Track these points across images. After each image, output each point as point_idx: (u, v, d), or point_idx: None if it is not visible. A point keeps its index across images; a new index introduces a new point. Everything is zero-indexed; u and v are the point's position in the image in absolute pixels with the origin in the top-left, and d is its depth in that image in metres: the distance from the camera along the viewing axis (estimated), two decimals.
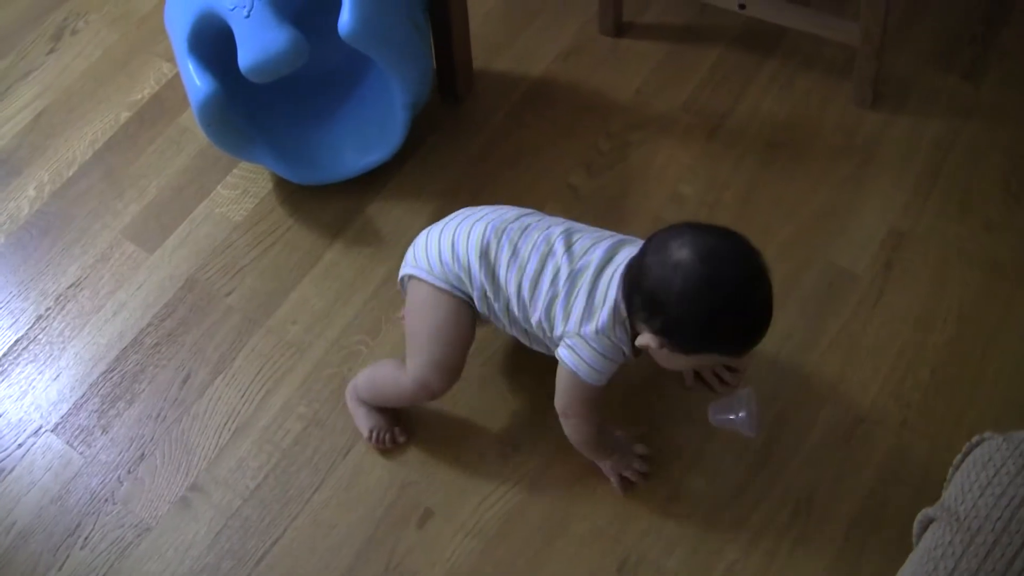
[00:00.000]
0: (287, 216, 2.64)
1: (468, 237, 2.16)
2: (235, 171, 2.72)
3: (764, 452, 2.27)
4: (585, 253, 2.10)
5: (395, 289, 2.48)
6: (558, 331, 2.10)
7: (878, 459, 2.26)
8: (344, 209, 2.64)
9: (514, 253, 2.13)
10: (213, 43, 2.42)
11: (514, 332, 2.23)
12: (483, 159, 2.67)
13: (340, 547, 2.23)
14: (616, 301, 2.02)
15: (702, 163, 2.65)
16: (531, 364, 2.38)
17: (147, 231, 2.65)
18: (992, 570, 1.47)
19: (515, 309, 2.15)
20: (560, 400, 2.14)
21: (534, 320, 2.13)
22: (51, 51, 3.00)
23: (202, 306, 2.53)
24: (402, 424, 2.34)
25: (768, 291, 1.96)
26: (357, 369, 2.40)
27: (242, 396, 2.40)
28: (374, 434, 2.31)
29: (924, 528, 1.60)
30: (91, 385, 2.44)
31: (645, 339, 2.00)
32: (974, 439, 1.63)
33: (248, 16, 2.31)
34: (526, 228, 2.16)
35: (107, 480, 2.33)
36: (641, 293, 1.96)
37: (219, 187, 2.70)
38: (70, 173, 2.76)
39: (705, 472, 2.26)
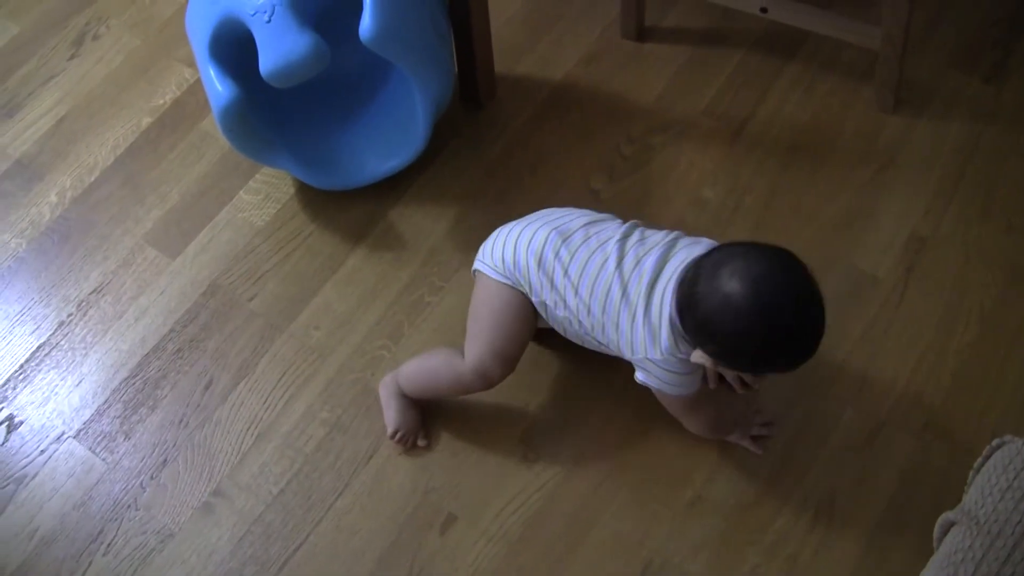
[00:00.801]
0: (309, 221, 2.64)
1: (530, 242, 2.20)
2: (257, 176, 2.72)
3: (786, 456, 2.27)
4: (637, 265, 2.12)
5: (417, 293, 2.49)
6: (626, 356, 2.15)
7: (900, 462, 2.26)
8: (366, 214, 2.64)
9: (570, 265, 2.16)
10: (234, 48, 2.42)
11: (571, 337, 2.27)
12: (504, 164, 2.67)
13: (363, 552, 2.23)
14: (671, 317, 2.04)
15: (724, 167, 2.65)
16: (554, 371, 2.40)
17: (169, 237, 2.66)
18: (1012, 574, 1.46)
19: (574, 323, 2.19)
20: (669, 409, 2.21)
21: (599, 338, 2.18)
22: (73, 56, 3.00)
23: (224, 312, 2.53)
24: (426, 429, 2.34)
25: (819, 312, 1.96)
26: (380, 374, 2.41)
27: (264, 402, 2.41)
28: (399, 434, 2.32)
29: (945, 532, 1.60)
30: (113, 391, 2.45)
31: (699, 357, 2.03)
32: (994, 442, 1.63)
33: (269, 21, 2.31)
34: (588, 238, 2.18)
35: (130, 486, 2.33)
36: (694, 320, 1.98)
37: (241, 192, 2.70)
38: (92, 179, 2.76)
39: (727, 476, 2.26)
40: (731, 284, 1.91)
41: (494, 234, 2.29)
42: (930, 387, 2.34)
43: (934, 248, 2.51)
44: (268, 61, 2.32)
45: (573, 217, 2.24)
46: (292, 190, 2.69)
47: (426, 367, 2.31)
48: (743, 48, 2.86)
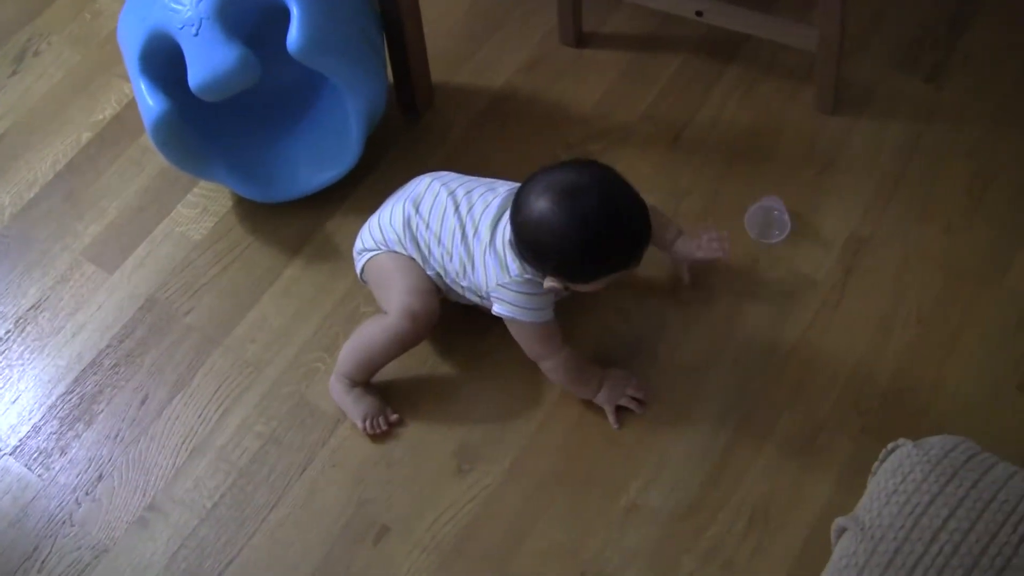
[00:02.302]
0: (247, 234, 2.64)
1: (391, 217, 2.30)
2: (195, 190, 2.71)
3: (722, 462, 2.26)
4: (486, 207, 2.24)
5: (352, 304, 2.48)
6: (483, 291, 2.24)
7: (837, 466, 2.25)
8: (304, 226, 2.64)
9: (430, 219, 2.26)
10: (167, 62, 2.41)
11: (451, 296, 2.35)
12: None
13: (296, 565, 2.22)
14: (514, 244, 2.15)
15: (663, 172, 2.64)
16: (489, 382, 2.39)
17: (107, 252, 2.65)
18: None
19: (444, 275, 2.30)
20: (525, 349, 2.27)
21: (465, 284, 2.26)
22: (13, 73, 2.99)
23: (161, 326, 2.52)
24: (390, 406, 2.36)
25: (632, 201, 2.10)
26: (315, 386, 2.41)
27: (199, 415, 2.40)
28: (368, 420, 2.32)
29: (839, 538, 1.59)
30: (50, 407, 2.44)
31: (549, 283, 2.14)
32: (889, 446, 1.62)
33: (197, 35, 2.30)
34: (436, 195, 2.28)
35: (65, 502, 2.32)
36: (524, 247, 2.11)
37: (179, 206, 2.70)
38: (31, 195, 2.75)
39: (663, 484, 2.25)
40: (539, 204, 2.05)
41: (361, 228, 2.40)
42: (868, 389, 2.33)
43: (873, 249, 2.50)
44: (196, 75, 2.32)
45: (416, 184, 2.38)
46: (230, 203, 2.68)
47: (357, 341, 2.33)
48: (683, 53, 2.85)
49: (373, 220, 2.37)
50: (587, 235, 2.05)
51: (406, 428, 2.36)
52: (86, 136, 2.85)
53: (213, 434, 2.37)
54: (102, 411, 2.42)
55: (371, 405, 2.33)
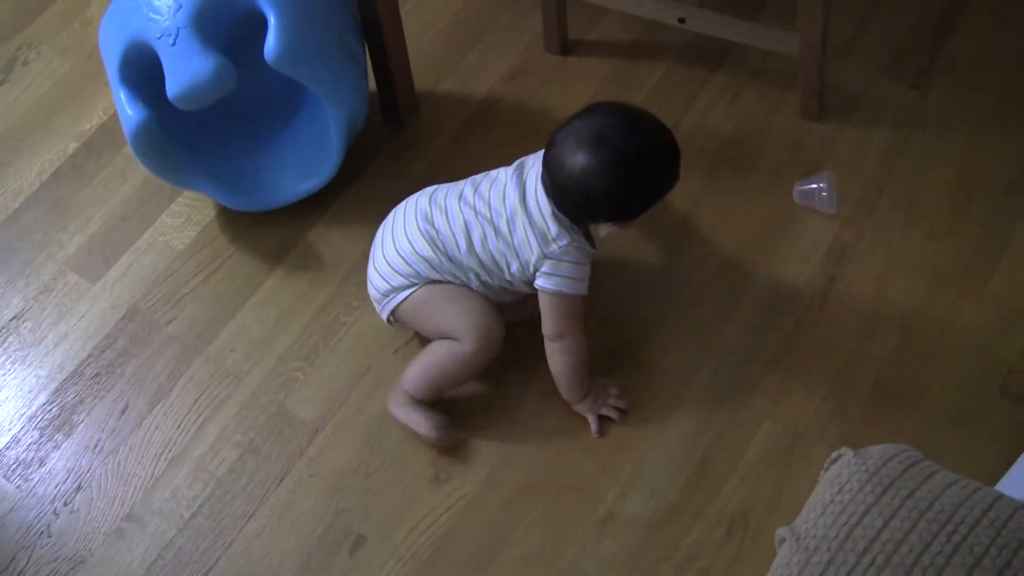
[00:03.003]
0: (229, 243, 2.63)
1: (412, 246, 2.26)
2: (179, 199, 2.71)
3: (700, 470, 2.25)
4: (504, 200, 2.23)
5: (333, 314, 2.48)
6: (531, 269, 2.21)
7: (817, 475, 2.21)
8: (286, 235, 2.63)
9: (454, 238, 2.24)
10: (147, 71, 2.41)
11: (508, 291, 2.32)
12: (428, 180, 2.61)
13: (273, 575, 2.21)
14: (555, 214, 2.17)
15: None
16: (466, 391, 2.38)
17: (91, 261, 2.65)
18: None
19: (486, 278, 2.26)
20: (552, 325, 2.25)
21: (507, 274, 2.24)
22: (2, 82, 3.00)
23: (142, 336, 2.52)
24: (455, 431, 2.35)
25: (652, 121, 2.16)
26: (293, 395, 2.40)
27: (179, 425, 2.40)
28: (443, 438, 2.31)
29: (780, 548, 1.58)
30: (30, 418, 2.44)
31: (605, 230, 2.19)
32: (833, 455, 1.60)
33: (174, 44, 2.30)
34: (445, 208, 2.27)
35: (43, 513, 2.32)
36: (575, 206, 2.14)
37: (163, 215, 2.70)
38: (16, 205, 2.75)
39: (640, 492, 2.24)
40: (576, 160, 2.09)
41: (369, 273, 2.37)
42: (849, 397, 2.32)
43: (856, 255, 2.49)
44: (174, 84, 2.32)
45: (413, 202, 2.35)
46: (213, 212, 2.68)
47: (429, 363, 2.30)
48: (668, 60, 2.85)
49: (383, 259, 2.31)
50: (631, 169, 2.10)
51: (383, 437, 2.35)
52: (72, 146, 2.85)
53: (192, 444, 2.37)
54: (82, 421, 2.42)
55: (439, 422, 2.32)
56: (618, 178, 2.09)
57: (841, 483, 1.51)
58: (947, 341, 2.38)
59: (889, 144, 2.65)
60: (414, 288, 2.28)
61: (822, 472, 1.60)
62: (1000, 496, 1.49)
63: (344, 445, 2.34)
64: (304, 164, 2.61)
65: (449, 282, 2.27)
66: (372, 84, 2.71)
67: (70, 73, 3.01)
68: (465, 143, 2.74)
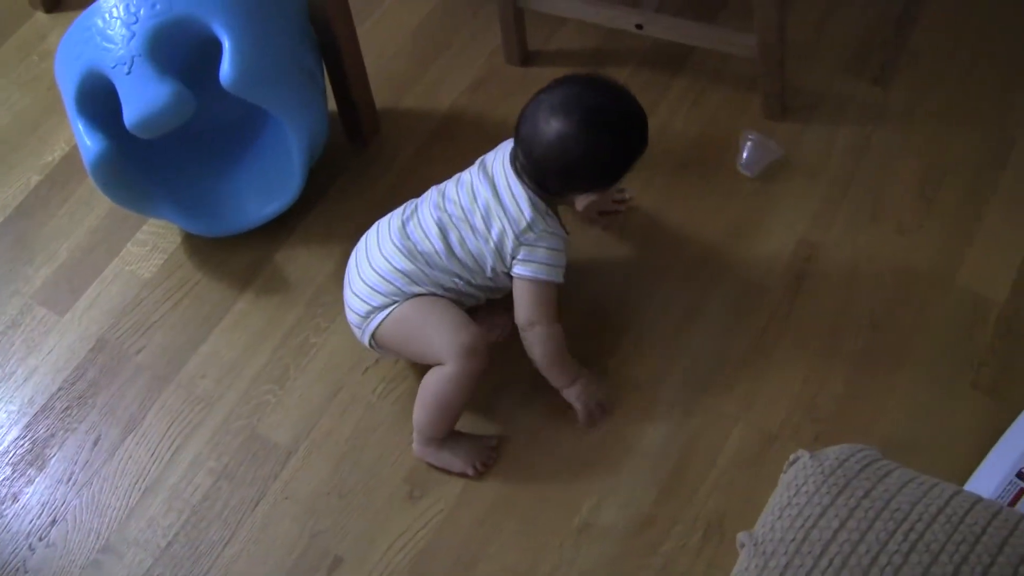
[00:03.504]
0: (196, 269, 2.63)
1: (389, 263, 2.25)
2: (145, 227, 2.71)
3: (675, 476, 2.25)
4: (475, 198, 2.23)
5: (302, 335, 2.47)
6: (508, 258, 2.22)
7: None
8: (254, 258, 2.63)
9: (427, 239, 2.23)
10: (104, 100, 2.40)
11: (482, 296, 2.33)
12: (393, 198, 2.62)
13: None
14: (529, 199, 2.20)
15: None
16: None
17: (58, 294, 2.64)
18: None
19: (468, 277, 2.26)
20: (525, 313, 2.24)
21: (489, 271, 2.24)
22: None
23: (112, 367, 2.51)
24: (484, 438, 2.33)
25: (617, 87, 2.20)
26: (266, 418, 2.39)
27: (152, 454, 2.39)
28: (476, 463, 2.30)
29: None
30: (2, 454, 2.43)
31: (584, 200, 2.22)
32: (791, 458, 1.60)
33: (129, 73, 2.29)
34: (419, 219, 2.28)
35: (18, 549, 2.31)
36: (554, 176, 2.17)
37: (129, 244, 2.69)
38: None
39: (616, 501, 2.24)
40: (552, 125, 2.12)
41: (347, 298, 2.34)
42: (821, 397, 2.31)
43: (824, 253, 2.49)
44: (131, 113, 2.31)
45: (386, 223, 2.33)
46: (179, 239, 2.67)
47: (425, 400, 2.27)
48: (630, 66, 2.84)
49: (361, 281, 2.29)
50: (607, 128, 2.13)
51: (358, 458, 2.34)
52: (35, 179, 2.84)
53: (166, 472, 2.36)
54: (54, 455, 2.41)
55: (468, 449, 2.30)
56: (594, 139, 2.12)
57: (798, 486, 1.51)
58: (917, 336, 2.38)
59: (854, 141, 2.65)
60: (394, 306, 2.25)
61: (781, 475, 1.59)
62: (958, 491, 1.48)
63: (318, 467, 2.33)
64: (267, 187, 2.60)
65: (424, 295, 2.25)
66: (333, 104, 2.70)
67: (31, 106, 2.99)
68: (429, 157, 2.74)
